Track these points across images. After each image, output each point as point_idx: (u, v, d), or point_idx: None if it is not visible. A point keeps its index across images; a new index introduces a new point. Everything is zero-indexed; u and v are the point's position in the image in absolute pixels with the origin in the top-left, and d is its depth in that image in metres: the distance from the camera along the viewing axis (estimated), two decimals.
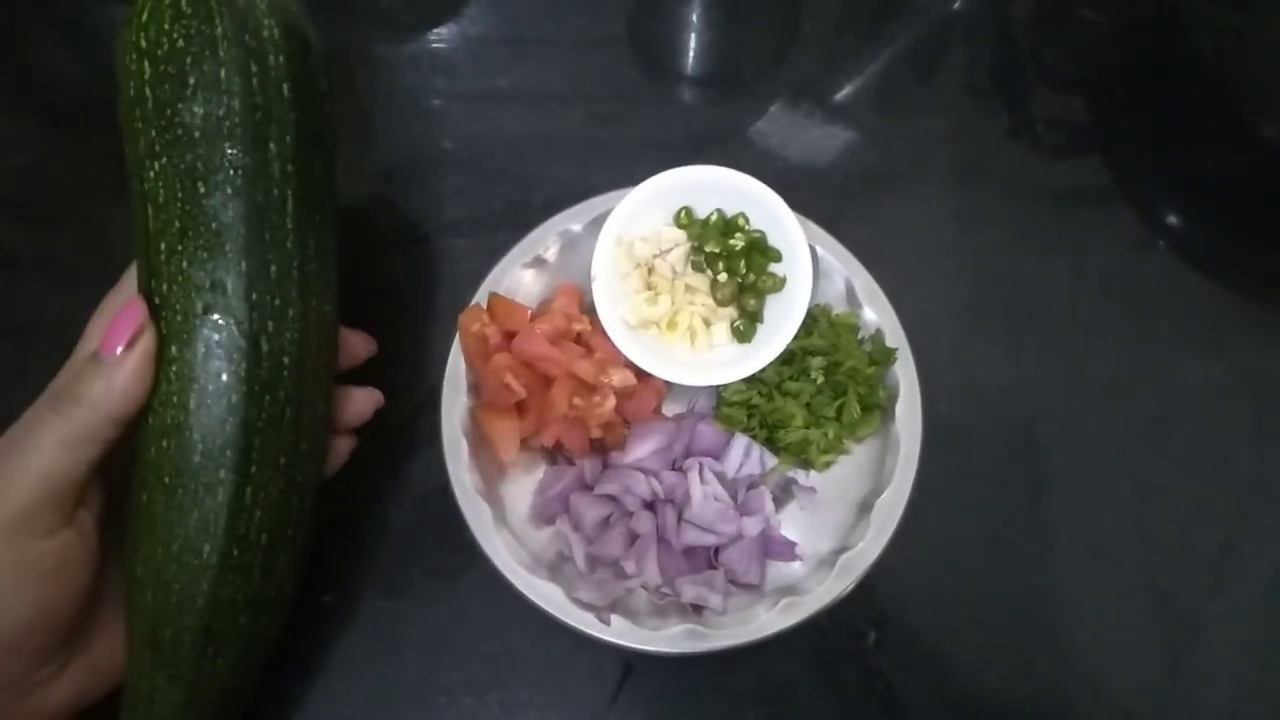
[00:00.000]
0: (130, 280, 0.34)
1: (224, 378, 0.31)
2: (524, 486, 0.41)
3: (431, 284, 0.46)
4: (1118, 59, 0.56)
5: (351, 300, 0.43)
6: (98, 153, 0.51)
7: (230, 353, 0.31)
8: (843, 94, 0.53)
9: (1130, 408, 0.44)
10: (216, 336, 0.31)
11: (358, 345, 0.39)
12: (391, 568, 0.40)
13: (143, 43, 0.31)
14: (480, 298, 0.42)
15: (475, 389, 0.40)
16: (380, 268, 0.47)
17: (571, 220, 0.43)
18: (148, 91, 0.31)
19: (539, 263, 0.43)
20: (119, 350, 0.30)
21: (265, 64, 0.32)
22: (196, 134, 0.31)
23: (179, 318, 0.31)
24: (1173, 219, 0.51)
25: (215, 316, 0.31)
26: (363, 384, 0.44)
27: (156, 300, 0.31)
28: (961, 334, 0.46)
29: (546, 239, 0.43)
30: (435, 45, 0.54)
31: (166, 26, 0.31)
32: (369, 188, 0.49)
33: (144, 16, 0.32)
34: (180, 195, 0.31)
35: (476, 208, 0.48)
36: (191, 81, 0.31)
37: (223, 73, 0.31)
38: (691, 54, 0.54)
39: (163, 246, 0.31)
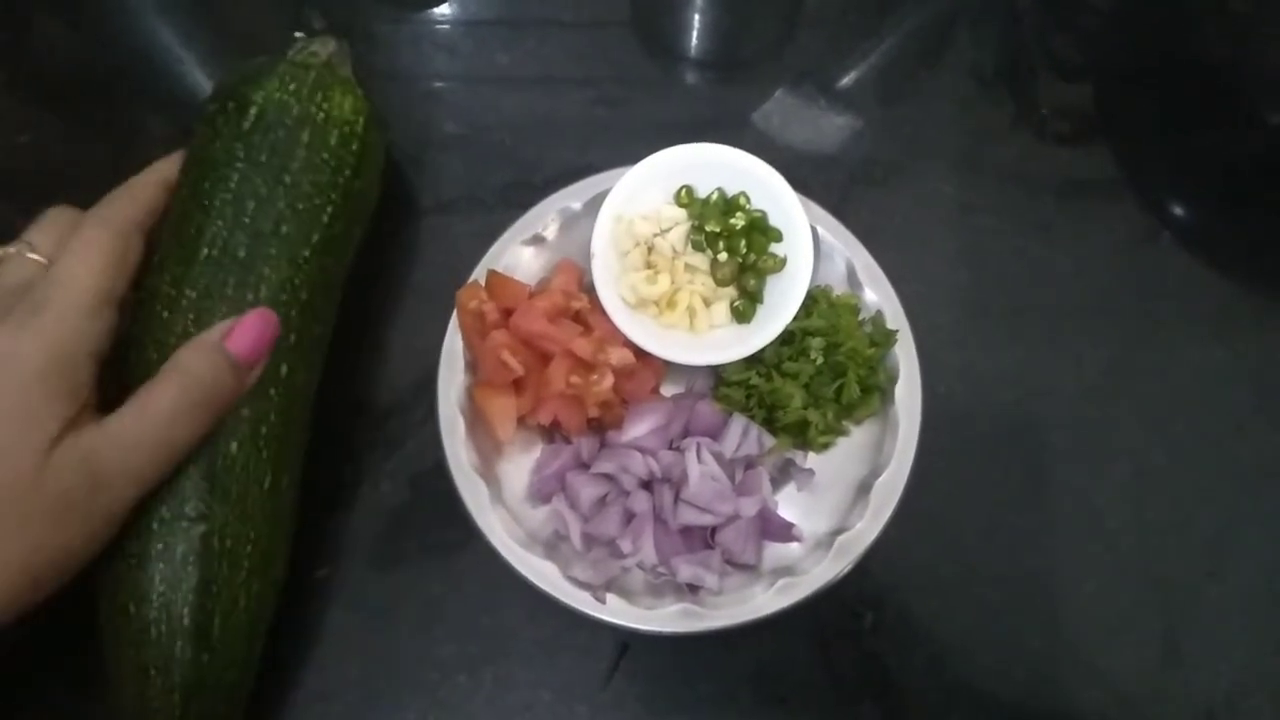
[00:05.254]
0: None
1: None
2: (520, 465, 0.41)
3: (429, 262, 0.46)
4: (1124, 46, 0.55)
5: (350, 278, 0.43)
6: (96, 132, 0.51)
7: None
8: (847, 77, 0.52)
9: (1131, 393, 0.44)
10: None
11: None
12: (386, 544, 0.40)
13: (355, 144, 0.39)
14: (478, 275, 0.41)
15: (472, 366, 0.40)
16: (378, 245, 0.46)
17: (571, 198, 0.43)
18: (358, 184, 0.40)
19: (538, 240, 0.43)
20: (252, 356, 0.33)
21: None
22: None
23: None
24: (1178, 208, 0.50)
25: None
26: (361, 361, 0.43)
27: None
28: (962, 317, 0.45)
29: (545, 217, 0.43)
30: (436, 25, 0.53)
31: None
32: None
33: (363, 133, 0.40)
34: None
35: (476, 186, 0.48)
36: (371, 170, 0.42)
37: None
38: (694, 34, 0.53)
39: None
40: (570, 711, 0.38)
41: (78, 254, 0.32)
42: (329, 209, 0.37)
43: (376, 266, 0.45)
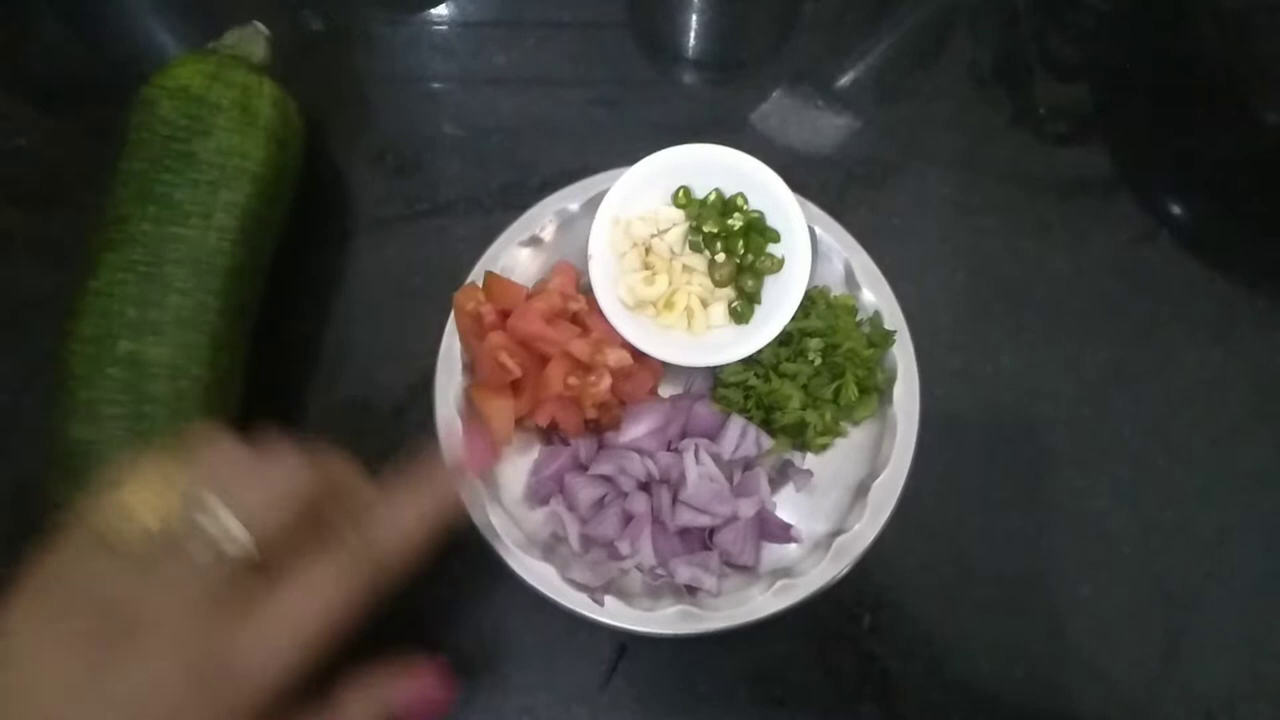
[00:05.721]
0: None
1: None
2: (519, 466, 0.40)
3: (427, 263, 0.46)
4: (1121, 46, 0.55)
5: (347, 281, 0.43)
6: (93, 134, 0.51)
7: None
8: (845, 78, 0.52)
9: (1130, 393, 0.44)
10: None
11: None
12: None
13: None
14: (476, 276, 0.41)
15: (470, 368, 0.40)
16: (376, 247, 0.46)
17: (569, 199, 0.43)
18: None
19: (535, 242, 0.43)
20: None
21: None
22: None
23: None
24: (1175, 208, 0.50)
25: None
26: (358, 363, 0.43)
27: None
28: (960, 318, 0.45)
29: (543, 218, 0.43)
30: (434, 26, 0.53)
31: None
32: (365, 167, 0.48)
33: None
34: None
35: (473, 188, 0.48)
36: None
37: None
38: (692, 35, 0.53)
39: None
40: (569, 713, 0.38)
41: (308, 596, 0.26)
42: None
43: (374, 268, 0.45)
